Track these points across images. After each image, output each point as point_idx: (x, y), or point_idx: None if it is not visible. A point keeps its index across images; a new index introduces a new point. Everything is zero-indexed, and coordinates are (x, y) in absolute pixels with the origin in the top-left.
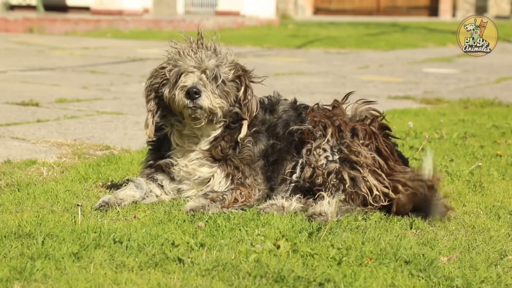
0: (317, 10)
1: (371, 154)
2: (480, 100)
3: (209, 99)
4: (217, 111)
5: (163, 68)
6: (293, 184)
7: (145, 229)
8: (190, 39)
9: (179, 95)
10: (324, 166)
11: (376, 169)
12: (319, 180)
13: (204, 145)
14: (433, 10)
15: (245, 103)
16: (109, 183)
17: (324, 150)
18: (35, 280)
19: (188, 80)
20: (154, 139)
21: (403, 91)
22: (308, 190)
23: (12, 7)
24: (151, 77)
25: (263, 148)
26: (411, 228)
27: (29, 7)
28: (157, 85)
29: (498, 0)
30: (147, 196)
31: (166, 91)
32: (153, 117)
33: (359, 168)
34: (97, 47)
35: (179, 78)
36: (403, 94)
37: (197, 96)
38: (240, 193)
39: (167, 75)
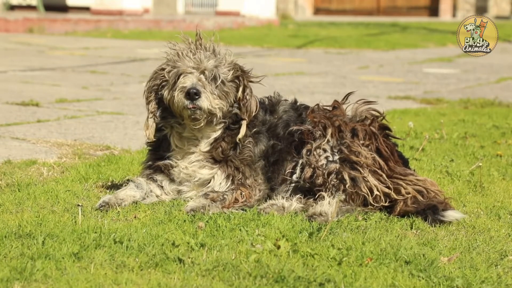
0: (317, 10)
1: (371, 154)
2: (480, 100)
3: (208, 100)
4: (217, 112)
5: (162, 69)
6: (293, 185)
7: (146, 229)
8: (189, 40)
9: (179, 96)
10: (324, 166)
11: (377, 170)
12: (319, 180)
13: (204, 146)
14: (433, 10)
15: (244, 103)
16: (110, 183)
17: (324, 151)
18: (35, 280)
19: (187, 81)
20: (154, 140)
21: (403, 91)
22: (309, 191)
23: (12, 7)
24: (150, 80)
25: (264, 149)
26: (411, 228)
27: (29, 7)
28: (157, 87)
29: (498, 0)
30: (147, 196)
31: (165, 92)
32: (154, 118)
33: (359, 168)
34: (97, 47)
35: (178, 79)
36: (403, 94)
37: (197, 97)
38: (241, 193)
39: (166, 76)
